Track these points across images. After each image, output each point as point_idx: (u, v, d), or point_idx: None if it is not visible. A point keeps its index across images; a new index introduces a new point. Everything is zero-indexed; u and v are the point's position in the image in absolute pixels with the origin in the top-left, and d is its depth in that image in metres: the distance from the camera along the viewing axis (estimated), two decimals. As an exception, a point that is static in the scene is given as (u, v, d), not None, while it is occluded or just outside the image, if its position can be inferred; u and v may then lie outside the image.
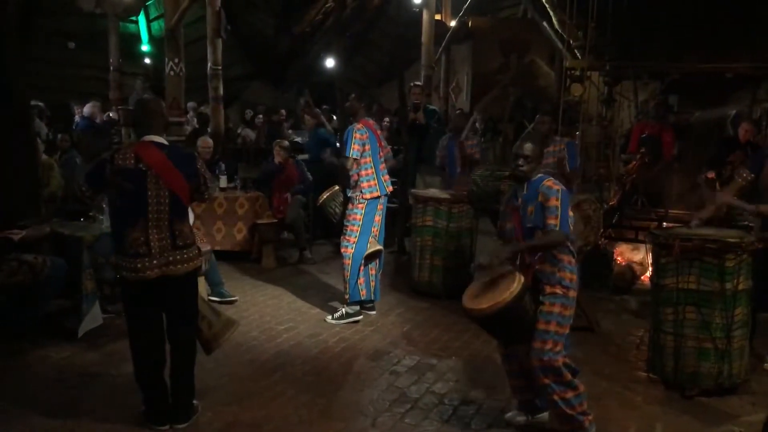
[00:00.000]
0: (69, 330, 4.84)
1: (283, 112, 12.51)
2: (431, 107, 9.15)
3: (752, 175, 4.68)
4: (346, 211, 5.51)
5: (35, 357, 4.53)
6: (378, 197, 5.42)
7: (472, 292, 3.56)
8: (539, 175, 3.62)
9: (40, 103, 11.00)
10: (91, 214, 5.49)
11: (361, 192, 5.37)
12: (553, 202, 3.45)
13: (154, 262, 3.49)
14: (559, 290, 3.48)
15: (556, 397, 3.49)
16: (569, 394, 3.48)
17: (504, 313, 3.34)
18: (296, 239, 7.68)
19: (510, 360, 3.75)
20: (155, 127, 3.60)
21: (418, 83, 8.82)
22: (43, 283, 4.67)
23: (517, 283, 3.37)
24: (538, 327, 3.45)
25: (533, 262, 3.51)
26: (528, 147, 3.59)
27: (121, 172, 3.46)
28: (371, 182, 5.38)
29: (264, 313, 5.70)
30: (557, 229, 3.42)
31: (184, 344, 3.70)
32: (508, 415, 3.88)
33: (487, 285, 3.52)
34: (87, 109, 10.80)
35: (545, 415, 3.79)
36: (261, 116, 13.13)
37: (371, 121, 5.56)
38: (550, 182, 3.54)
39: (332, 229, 7.41)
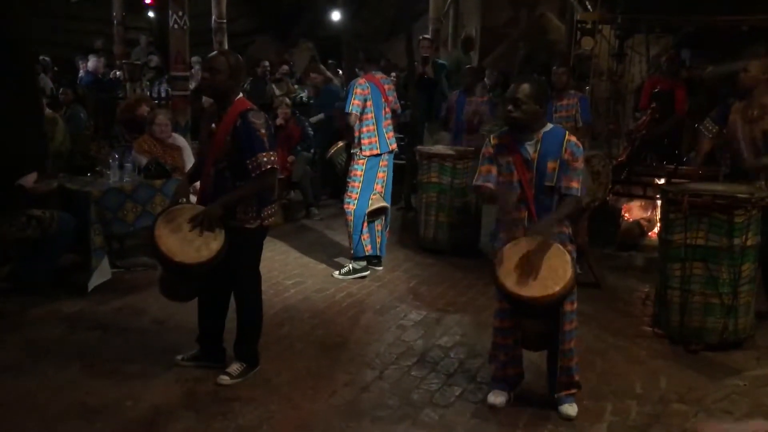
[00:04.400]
0: (79, 285, 4.90)
1: (285, 67, 12.23)
2: (440, 61, 9.01)
3: (716, 127, 4.57)
4: (349, 168, 5.48)
5: (47, 310, 4.59)
6: (379, 155, 5.37)
7: (509, 267, 3.07)
8: (551, 125, 3.26)
9: (46, 58, 10.91)
10: (97, 169, 5.49)
11: (361, 149, 5.33)
12: (580, 164, 3.17)
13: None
14: (570, 247, 3.20)
15: (577, 378, 3.37)
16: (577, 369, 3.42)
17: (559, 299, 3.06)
18: (303, 196, 7.67)
19: (512, 346, 3.44)
20: None
21: (426, 36, 8.67)
22: (52, 237, 4.72)
23: (571, 265, 3.04)
24: (564, 307, 3.19)
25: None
26: (524, 89, 3.12)
27: None
28: (372, 139, 5.32)
29: (272, 268, 5.72)
30: (579, 194, 3.17)
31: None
32: (490, 397, 3.46)
33: (525, 259, 3.07)
34: (91, 63, 10.72)
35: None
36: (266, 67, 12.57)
37: (378, 76, 5.47)
38: (574, 138, 3.22)
39: (340, 187, 7.38)
